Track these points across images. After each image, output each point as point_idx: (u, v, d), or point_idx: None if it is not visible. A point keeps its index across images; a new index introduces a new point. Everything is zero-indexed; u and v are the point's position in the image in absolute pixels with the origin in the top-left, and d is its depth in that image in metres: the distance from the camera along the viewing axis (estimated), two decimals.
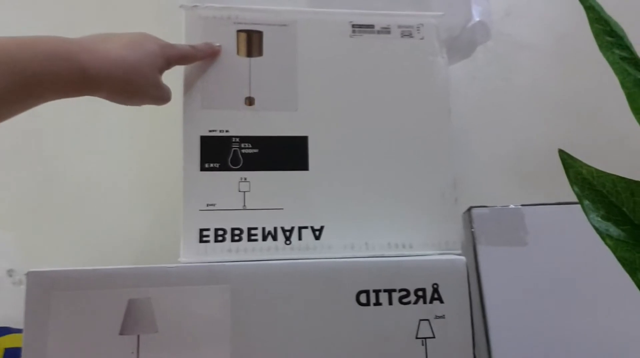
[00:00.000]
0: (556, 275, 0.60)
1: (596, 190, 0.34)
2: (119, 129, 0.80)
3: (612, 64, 0.33)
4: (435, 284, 0.50)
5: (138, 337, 0.46)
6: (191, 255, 0.52)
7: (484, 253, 0.61)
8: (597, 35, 0.33)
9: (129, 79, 0.46)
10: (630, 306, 0.54)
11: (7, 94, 0.39)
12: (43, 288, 0.46)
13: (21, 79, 0.39)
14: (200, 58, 0.54)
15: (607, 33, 0.33)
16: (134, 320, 0.46)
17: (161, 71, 0.50)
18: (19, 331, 0.67)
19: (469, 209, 0.63)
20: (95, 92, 0.45)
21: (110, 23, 0.84)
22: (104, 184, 0.80)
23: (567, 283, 0.60)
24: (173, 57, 0.51)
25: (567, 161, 0.35)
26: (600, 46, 0.33)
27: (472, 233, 0.62)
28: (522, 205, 0.63)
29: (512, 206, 0.63)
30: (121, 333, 0.46)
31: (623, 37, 0.33)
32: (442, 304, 0.50)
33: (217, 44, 0.55)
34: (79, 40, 0.44)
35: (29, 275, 0.46)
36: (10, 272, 0.76)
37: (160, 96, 0.51)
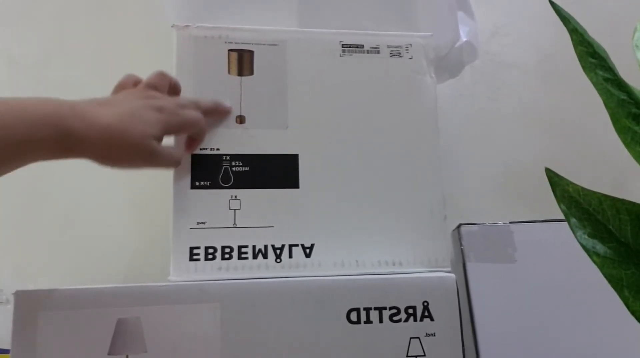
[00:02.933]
0: (545, 292, 0.61)
1: (582, 208, 0.34)
2: None
3: (596, 84, 0.34)
4: (426, 302, 0.50)
5: (127, 357, 0.45)
6: (181, 273, 0.51)
7: (474, 270, 0.61)
8: (581, 57, 0.34)
9: (112, 147, 0.45)
10: (618, 322, 0.54)
11: None
12: (31, 307, 0.45)
13: (6, 143, 0.39)
14: (207, 122, 0.53)
15: (590, 55, 0.34)
16: (123, 340, 0.46)
17: (158, 139, 0.48)
18: (6, 352, 0.66)
19: (458, 226, 0.63)
20: (79, 156, 0.44)
21: (102, 43, 0.85)
22: (94, 202, 0.79)
23: (556, 299, 0.60)
24: (173, 126, 0.49)
25: (554, 179, 0.36)
26: (584, 67, 0.34)
27: (462, 250, 0.62)
28: (511, 222, 0.63)
29: (500, 223, 0.63)
30: (110, 354, 0.45)
31: (606, 58, 0.34)
32: (433, 322, 0.50)
33: (228, 105, 0.55)
34: (73, 104, 0.43)
35: (17, 294, 0.46)
36: None
37: (156, 160, 0.49)
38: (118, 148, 0.45)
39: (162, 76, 0.52)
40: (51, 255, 0.77)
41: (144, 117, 0.47)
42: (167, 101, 0.50)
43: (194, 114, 0.52)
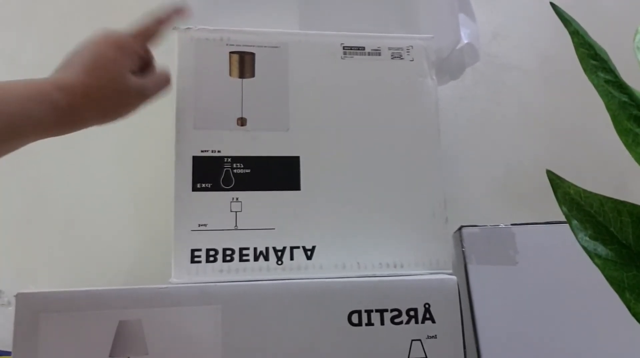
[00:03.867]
0: (547, 294, 0.60)
1: (584, 210, 0.34)
2: (110, 149, 0.80)
3: (597, 87, 0.34)
4: (427, 304, 0.50)
5: None
6: (182, 275, 0.51)
7: (475, 273, 0.61)
8: (582, 59, 0.34)
9: (104, 103, 0.46)
10: (620, 324, 0.54)
11: None
12: (32, 309, 0.45)
13: (2, 121, 0.40)
14: (163, 25, 0.53)
15: (591, 57, 0.34)
16: (124, 342, 0.46)
17: (132, 70, 0.49)
18: (7, 353, 0.66)
19: (460, 228, 0.63)
20: (82, 125, 0.46)
21: None
22: (95, 204, 0.79)
23: (558, 302, 0.60)
24: (131, 48, 0.49)
25: (555, 181, 0.36)
26: (585, 70, 0.34)
27: (463, 253, 0.62)
28: (512, 224, 0.63)
29: (502, 225, 0.63)
30: (111, 356, 0.45)
31: (607, 60, 0.34)
32: (434, 324, 0.50)
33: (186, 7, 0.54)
34: (52, 78, 0.45)
35: (18, 296, 0.46)
36: None
37: (140, 94, 0.49)
38: (108, 102, 0.46)
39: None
40: (52, 257, 0.77)
41: (104, 59, 0.47)
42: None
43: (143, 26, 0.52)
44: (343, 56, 0.59)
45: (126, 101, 0.48)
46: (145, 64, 0.52)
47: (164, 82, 0.52)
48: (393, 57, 0.60)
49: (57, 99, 0.43)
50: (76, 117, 0.45)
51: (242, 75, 0.57)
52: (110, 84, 0.46)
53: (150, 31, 0.52)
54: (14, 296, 0.46)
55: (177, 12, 0.54)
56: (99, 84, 0.46)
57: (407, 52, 0.60)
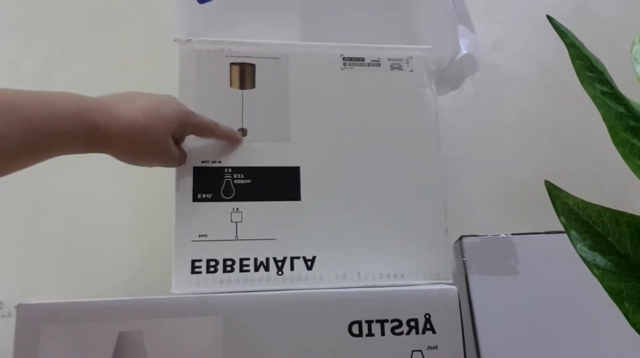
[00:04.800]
0: (548, 304, 0.60)
1: (582, 221, 0.34)
2: (111, 160, 0.80)
3: (594, 98, 0.34)
4: (428, 314, 0.50)
5: None
6: (183, 286, 0.52)
7: (476, 283, 0.61)
8: (578, 71, 0.35)
9: (136, 142, 0.46)
10: (620, 334, 0.54)
11: (23, 149, 0.40)
12: (33, 321, 0.45)
13: (39, 135, 0.40)
14: (218, 137, 0.55)
15: (588, 69, 0.34)
16: (124, 353, 0.46)
17: (174, 136, 0.50)
18: None
19: (460, 238, 0.63)
20: (103, 151, 0.46)
21: (106, 56, 0.86)
22: (96, 215, 0.79)
23: (559, 311, 0.60)
24: (189, 125, 0.51)
25: (554, 192, 0.36)
26: (582, 81, 0.34)
27: (464, 262, 0.62)
28: (513, 234, 0.63)
29: (502, 235, 0.63)
30: None
31: (603, 72, 0.35)
32: (435, 334, 0.50)
33: (240, 136, 0.56)
34: (98, 100, 0.45)
35: (19, 307, 0.46)
36: None
37: (169, 159, 0.51)
38: (141, 144, 0.47)
39: None
40: (53, 268, 0.77)
41: (166, 113, 0.48)
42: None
43: (210, 123, 0.53)
44: (343, 66, 0.59)
45: (154, 156, 0.49)
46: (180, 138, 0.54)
47: (183, 160, 0.54)
48: (393, 68, 0.60)
49: (97, 120, 0.43)
50: (106, 143, 0.45)
51: (242, 86, 0.57)
52: (154, 133, 0.47)
53: (206, 132, 0.54)
54: (15, 307, 0.46)
55: (233, 139, 0.55)
56: (144, 126, 0.46)
57: (407, 63, 0.60)
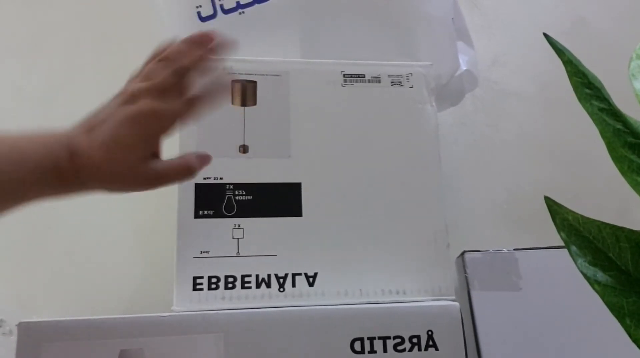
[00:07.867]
0: (551, 319, 0.60)
1: (582, 236, 0.34)
2: None
3: (592, 114, 0.34)
4: (430, 331, 0.50)
5: None
6: (184, 303, 0.51)
7: (478, 298, 0.61)
8: (576, 88, 0.35)
9: (108, 180, 0.42)
10: (622, 350, 0.53)
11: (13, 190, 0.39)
12: (34, 338, 0.45)
13: (12, 186, 0.39)
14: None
15: (585, 85, 0.34)
16: None
17: (154, 151, 0.44)
18: None
19: (462, 254, 0.63)
20: (85, 192, 0.42)
21: (109, 76, 0.87)
22: (97, 232, 0.79)
23: (562, 327, 0.60)
24: (159, 134, 0.43)
25: (553, 207, 0.36)
26: (580, 98, 0.35)
27: (466, 278, 0.62)
28: (515, 249, 0.63)
29: (505, 250, 0.63)
30: None
31: (601, 89, 0.35)
32: (437, 351, 0.49)
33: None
34: (68, 141, 0.41)
35: (20, 325, 0.46)
36: (0, 322, 0.74)
37: (161, 180, 0.43)
38: (114, 180, 0.42)
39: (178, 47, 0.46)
40: (54, 285, 0.77)
41: (126, 142, 0.41)
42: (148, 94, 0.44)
43: (176, 108, 0.43)
44: (343, 83, 0.60)
45: (136, 184, 0.43)
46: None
47: (185, 172, 0.43)
48: (393, 84, 0.60)
49: (65, 163, 0.40)
50: (79, 186, 0.42)
51: (244, 103, 0.58)
52: (124, 170, 0.42)
53: (190, 64, 0.44)
54: (16, 325, 0.46)
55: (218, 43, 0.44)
56: (111, 164, 0.41)
57: (407, 79, 0.61)
